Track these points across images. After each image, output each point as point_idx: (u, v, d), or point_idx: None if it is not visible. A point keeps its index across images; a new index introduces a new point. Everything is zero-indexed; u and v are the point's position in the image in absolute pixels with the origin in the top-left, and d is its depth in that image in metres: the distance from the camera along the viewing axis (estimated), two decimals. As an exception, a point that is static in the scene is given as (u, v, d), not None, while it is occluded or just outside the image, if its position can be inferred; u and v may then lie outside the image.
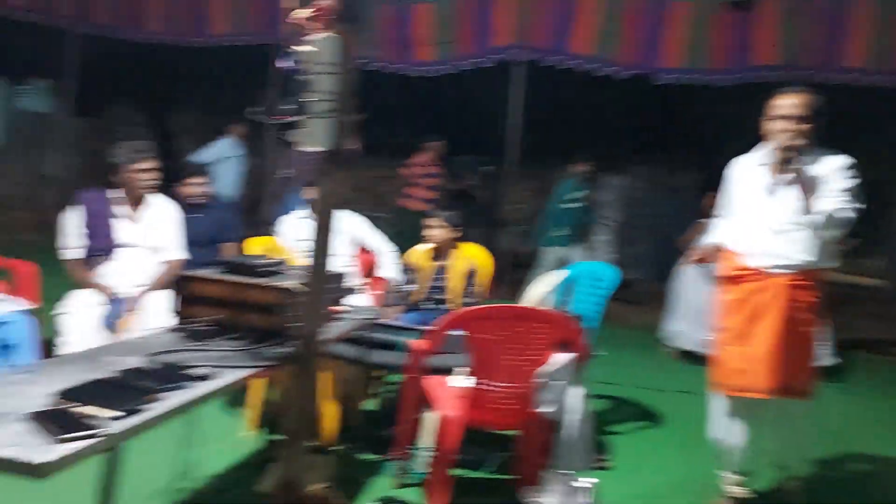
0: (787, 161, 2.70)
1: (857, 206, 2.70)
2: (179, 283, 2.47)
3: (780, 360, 2.70)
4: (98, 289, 3.36)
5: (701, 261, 3.22)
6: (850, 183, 2.71)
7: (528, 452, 2.87)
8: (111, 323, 3.30)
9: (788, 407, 2.81)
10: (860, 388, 5.14)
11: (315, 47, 2.17)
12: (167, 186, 3.87)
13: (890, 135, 7.28)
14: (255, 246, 3.80)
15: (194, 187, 4.26)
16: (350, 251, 3.99)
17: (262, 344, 2.24)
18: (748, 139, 2.94)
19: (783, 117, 2.71)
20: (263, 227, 4.86)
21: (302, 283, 2.21)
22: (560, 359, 2.68)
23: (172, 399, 1.72)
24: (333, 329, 2.54)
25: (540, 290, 3.75)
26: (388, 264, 4.03)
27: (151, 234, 3.61)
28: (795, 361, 2.74)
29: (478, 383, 2.71)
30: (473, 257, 4.03)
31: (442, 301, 3.86)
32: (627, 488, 3.11)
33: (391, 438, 3.07)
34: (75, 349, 3.05)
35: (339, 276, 2.82)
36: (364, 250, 4.12)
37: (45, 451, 1.35)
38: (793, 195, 2.71)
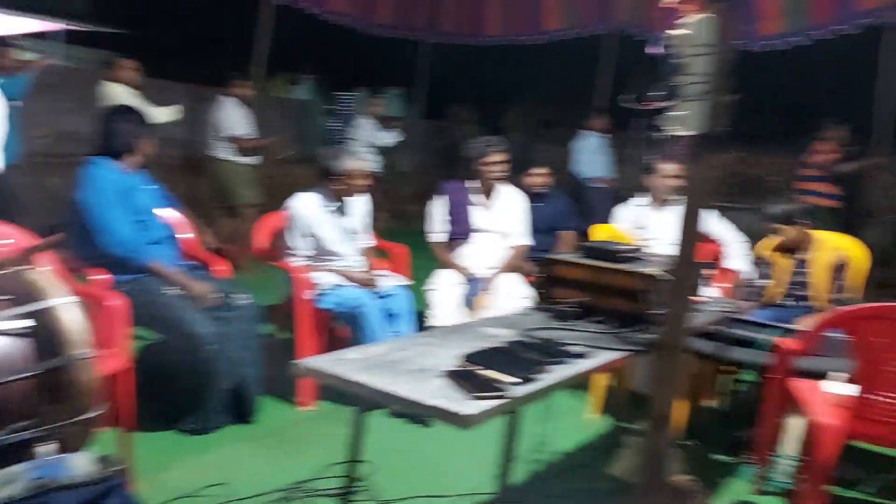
0: None
1: None
2: (543, 265, 2.60)
3: None
4: (458, 269, 3.73)
5: None
6: None
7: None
8: (469, 300, 3.64)
9: None
10: None
11: (690, 30, 2.10)
12: (513, 176, 4.14)
13: None
14: (598, 233, 3.85)
15: (537, 178, 4.48)
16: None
17: (627, 328, 2.26)
18: None
19: None
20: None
21: (666, 270, 2.17)
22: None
23: (558, 371, 1.82)
24: (694, 319, 2.45)
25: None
26: (738, 256, 3.76)
27: (501, 220, 3.90)
28: None
29: (862, 392, 2.39)
30: (843, 249, 3.56)
31: (804, 298, 3.48)
32: None
33: (745, 440, 2.88)
34: (442, 322, 3.43)
35: (698, 266, 2.71)
36: (708, 239, 3.91)
37: (466, 405, 1.53)
38: None
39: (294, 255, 3.52)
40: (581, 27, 7.37)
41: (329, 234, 3.54)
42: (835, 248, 3.54)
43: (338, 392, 3.27)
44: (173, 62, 5.86)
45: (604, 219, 4.22)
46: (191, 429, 2.95)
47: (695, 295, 2.65)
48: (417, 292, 3.72)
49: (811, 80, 7.07)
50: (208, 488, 2.44)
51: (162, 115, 5.71)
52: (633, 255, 2.54)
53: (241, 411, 3.08)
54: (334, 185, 3.54)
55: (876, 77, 5.82)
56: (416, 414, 3.13)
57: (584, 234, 4.14)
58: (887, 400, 2.36)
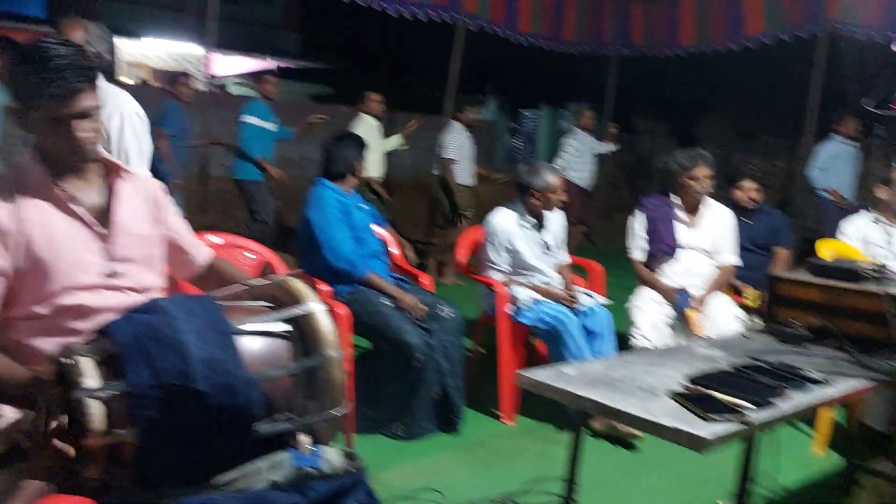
0: None
1: None
2: (770, 284, 2.42)
3: None
4: (662, 288, 3.58)
5: None
6: None
7: None
8: (676, 321, 3.48)
9: None
10: None
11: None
12: (721, 191, 3.91)
13: None
14: (825, 249, 3.52)
15: (747, 192, 4.20)
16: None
17: (869, 355, 2.04)
18: None
19: None
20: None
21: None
22: None
23: (798, 398, 1.68)
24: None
25: None
26: None
27: (708, 237, 3.69)
28: None
29: None
30: None
31: None
32: None
33: None
34: (648, 342, 3.31)
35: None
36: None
37: (703, 427, 1.46)
38: None
39: (493, 269, 3.59)
40: (787, 29, 6.84)
41: (526, 249, 3.58)
42: None
43: (538, 408, 3.33)
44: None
45: (831, 233, 3.85)
46: (400, 434, 3.11)
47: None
48: (613, 310, 3.63)
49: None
50: (424, 491, 2.54)
51: (392, 143, 6.34)
52: (878, 274, 2.28)
53: (446, 420, 3.19)
54: (531, 201, 3.58)
55: None
56: (620, 435, 3.07)
57: (802, 251, 3.81)
58: None
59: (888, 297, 2.08)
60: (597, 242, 7.90)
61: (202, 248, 1.90)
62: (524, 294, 3.46)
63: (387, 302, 3.13)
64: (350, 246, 3.19)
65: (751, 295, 3.71)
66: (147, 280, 1.67)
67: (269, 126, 5.98)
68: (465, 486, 2.65)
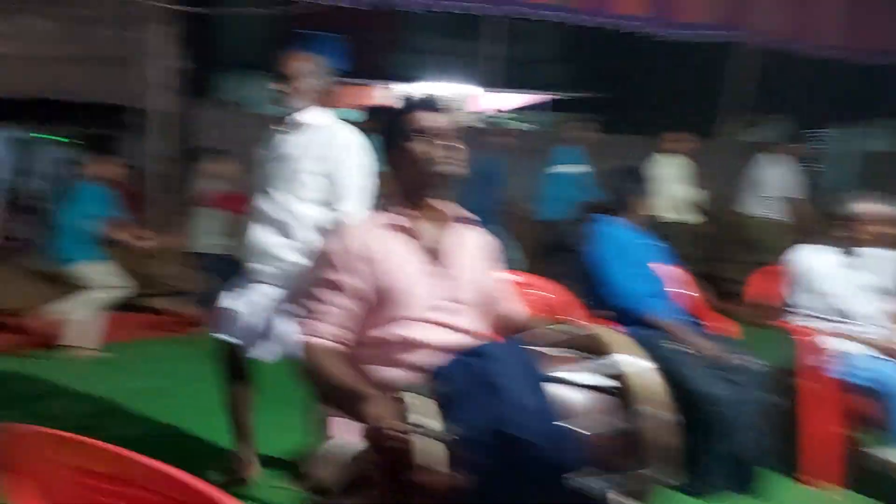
0: None
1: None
2: None
3: None
4: None
5: None
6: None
7: None
8: None
9: None
10: None
11: None
12: None
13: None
14: None
15: None
16: None
17: None
18: None
19: None
20: None
21: None
22: None
23: None
24: None
25: None
26: None
27: None
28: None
29: None
30: None
31: None
32: None
33: None
34: None
35: None
36: None
37: None
38: None
39: (796, 314, 3.17)
40: None
41: (840, 290, 3.10)
42: None
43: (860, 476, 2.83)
44: (647, 119, 6.08)
45: None
46: (685, 488, 2.85)
47: None
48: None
49: None
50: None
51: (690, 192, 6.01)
52: None
53: (741, 479, 2.86)
54: (844, 234, 3.11)
55: None
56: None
57: None
58: None
59: None
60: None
61: (519, 307, 1.94)
62: (839, 344, 2.99)
63: (674, 345, 2.91)
64: (630, 284, 3.03)
65: None
66: (473, 323, 1.75)
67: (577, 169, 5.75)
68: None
